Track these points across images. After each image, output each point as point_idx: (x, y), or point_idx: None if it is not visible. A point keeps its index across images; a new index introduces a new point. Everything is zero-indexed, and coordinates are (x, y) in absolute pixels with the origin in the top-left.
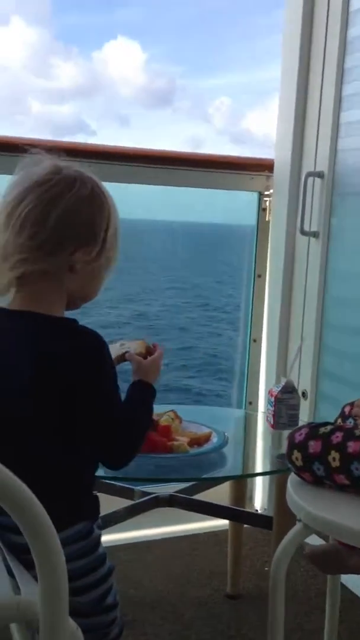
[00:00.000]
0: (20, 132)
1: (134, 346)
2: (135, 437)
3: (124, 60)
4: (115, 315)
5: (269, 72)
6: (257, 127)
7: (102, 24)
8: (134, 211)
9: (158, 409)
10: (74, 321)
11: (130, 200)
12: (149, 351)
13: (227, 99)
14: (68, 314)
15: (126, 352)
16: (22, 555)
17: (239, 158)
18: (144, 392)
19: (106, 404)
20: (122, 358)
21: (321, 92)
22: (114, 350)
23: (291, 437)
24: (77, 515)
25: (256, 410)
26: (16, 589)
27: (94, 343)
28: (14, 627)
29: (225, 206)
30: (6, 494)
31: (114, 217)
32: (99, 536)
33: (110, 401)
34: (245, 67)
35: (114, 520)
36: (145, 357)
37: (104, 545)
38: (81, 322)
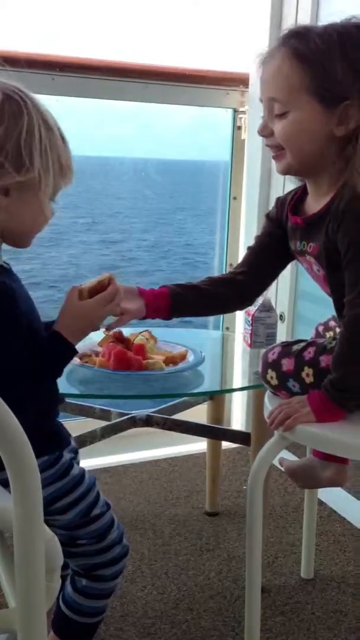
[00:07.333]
0: None
1: (92, 281)
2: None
3: None
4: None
5: None
6: None
7: None
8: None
9: (132, 330)
10: None
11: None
12: (102, 287)
13: None
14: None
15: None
16: None
17: (213, 72)
18: (55, 351)
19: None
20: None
21: (297, 1)
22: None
23: (264, 357)
24: (39, 451)
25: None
26: None
27: None
28: None
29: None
30: None
31: (32, 137)
32: (70, 459)
33: (9, 368)
34: None
35: (90, 439)
36: (97, 293)
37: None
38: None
